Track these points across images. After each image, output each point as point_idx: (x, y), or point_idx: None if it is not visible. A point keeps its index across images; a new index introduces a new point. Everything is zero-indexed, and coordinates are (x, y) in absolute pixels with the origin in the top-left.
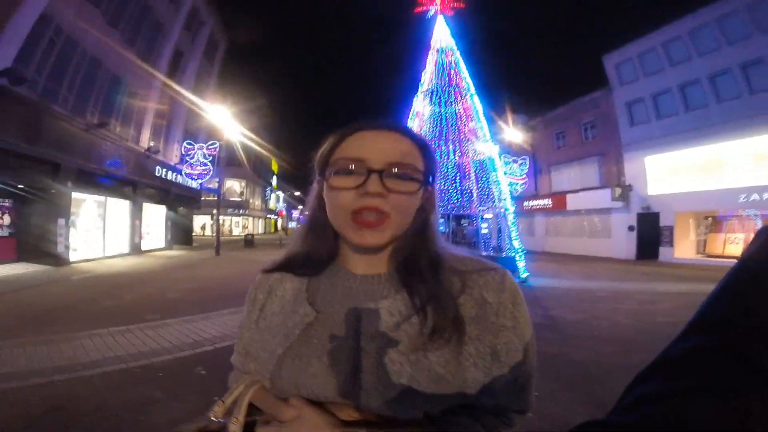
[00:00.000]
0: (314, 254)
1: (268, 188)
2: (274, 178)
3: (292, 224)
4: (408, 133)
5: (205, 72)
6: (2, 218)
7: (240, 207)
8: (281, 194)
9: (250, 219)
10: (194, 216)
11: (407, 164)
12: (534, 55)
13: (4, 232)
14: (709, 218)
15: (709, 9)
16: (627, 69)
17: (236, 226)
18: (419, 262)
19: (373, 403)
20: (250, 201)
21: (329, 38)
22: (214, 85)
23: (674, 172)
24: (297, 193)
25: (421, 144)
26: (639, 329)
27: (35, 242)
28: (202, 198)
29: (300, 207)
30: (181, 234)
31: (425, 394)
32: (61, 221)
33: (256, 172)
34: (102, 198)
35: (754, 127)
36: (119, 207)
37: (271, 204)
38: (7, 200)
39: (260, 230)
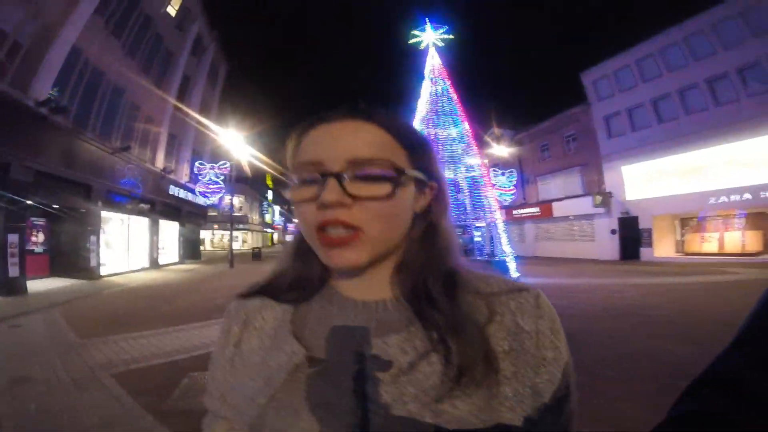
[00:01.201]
0: (303, 275)
1: (265, 203)
2: (270, 192)
3: (290, 238)
4: (374, 118)
5: (209, 94)
6: (37, 236)
7: (240, 222)
8: (277, 208)
9: (250, 233)
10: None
11: (373, 159)
12: (518, 75)
13: (39, 249)
14: (687, 220)
15: (676, 28)
16: (604, 85)
17: (235, 240)
18: (430, 283)
19: None
20: (249, 216)
21: (326, 62)
22: (217, 107)
23: (649, 179)
24: (294, 208)
25: (396, 130)
26: (604, 308)
27: (67, 258)
28: (208, 214)
29: (295, 221)
30: (190, 249)
31: None
32: (93, 238)
33: (253, 187)
34: (125, 216)
35: (721, 136)
36: (139, 224)
37: (267, 218)
38: (41, 219)
39: (259, 244)
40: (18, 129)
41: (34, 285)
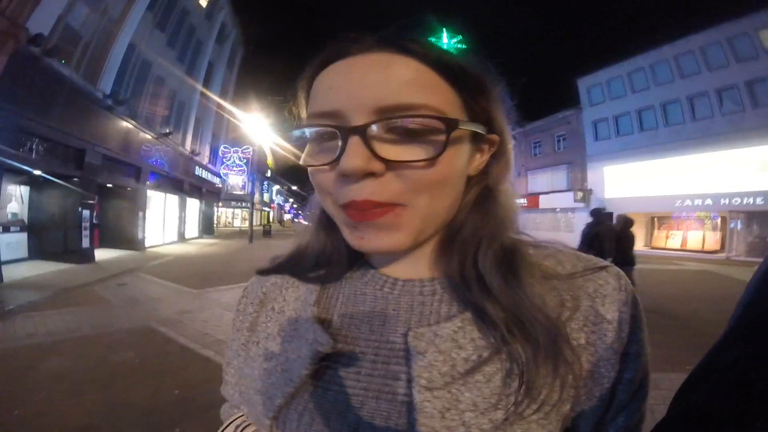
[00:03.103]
0: (329, 248)
1: (265, 182)
2: (269, 172)
3: (287, 217)
4: (412, 48)
5: (227, 79)
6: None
7: (243, 200)
8: (276, 188)
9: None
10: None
11: (413, 106)
12: (519, 75)
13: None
14: (656, 218)
15: (668, 47)
16: (596, 92)
17: (236, 218)
18: (480, 263)
19: None
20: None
21: None
22: (233, 90)
23: (626, 180)
24: (294, 188)
25: (443, 64)
26: None
27: (114, 231)
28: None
29: (291, 200)
30: (206, 225)
31: None
32: (141, 214)
33: (255, 167)
34: (162, 194)
35: (694, 147)
36: (171, 201)
37: (266, 197)
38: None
39: (258, 222)
40: (90, 118)
41: None
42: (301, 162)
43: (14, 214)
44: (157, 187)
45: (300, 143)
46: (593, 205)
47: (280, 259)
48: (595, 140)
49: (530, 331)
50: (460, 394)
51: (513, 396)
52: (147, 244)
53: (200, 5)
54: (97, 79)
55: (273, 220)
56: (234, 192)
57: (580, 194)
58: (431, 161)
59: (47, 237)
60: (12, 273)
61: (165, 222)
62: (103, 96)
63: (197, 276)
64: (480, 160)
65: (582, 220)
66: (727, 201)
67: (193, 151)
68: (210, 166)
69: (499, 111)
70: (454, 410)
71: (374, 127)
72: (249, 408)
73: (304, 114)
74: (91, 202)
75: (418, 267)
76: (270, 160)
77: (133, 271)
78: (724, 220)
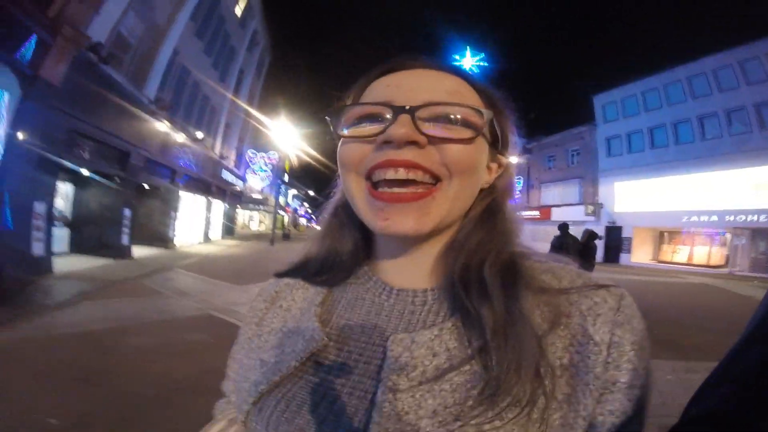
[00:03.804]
0: (333, 255)
1: (282, 186)
2: (285, 176)
3: (302, 221)
4: (459, 71)
5: (254, 85)
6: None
7: (261, 203)
8: (292, 192)
9: (267, 215)
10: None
11: (457, 102)
12: (536, 91)
13: None
14: (663, 233)
15: (681, 68)
16: (611, 109)
17: (252, 220)
18: (484, 271)
19: None
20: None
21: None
22: (259, 96)
23: (636, 195)
24: (311, 192)
25: (481, 88)
26: None
27: (147, 229)
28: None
29: (305, 204)
30: (227, 226)
31: None
32: (173, 213)
33: (272, 171)
34: (191, 195)
35: (702, 165)
36: (198, 202)
37: (281, 201)
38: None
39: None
40: (135, 122)
41: None
42: (344, 132)
43: (60, 211)
44: (187, 188)
45: (340, 123)
46: (603, 219)
47: (294, 264)
48: (608, 156)
49: (513, 338)
50: (423, 401)
51: (478, 402)
52: (177, 242)
53: (235, 13)
54: (143, 84)
55: (288, 223)
56: (253, 195)
57: (590, 208)
58: (467, 142)
59: (87, 232)
60: (59, 266)
61: (193, 222)
62: (148, 101)
63: (232, 273)
64: (491, 175)
65: None
66: (732, 218)
67: (221, 155)
68: (234, 169)
69: (511, 138)
70: (413, 415)
71: (422, 111)
72: (237, 395)
73: (341, 108)
74: (133, 201)
75: (416, 276)
76: (288, 164)
77: (170, 267)
78: (731, 236)
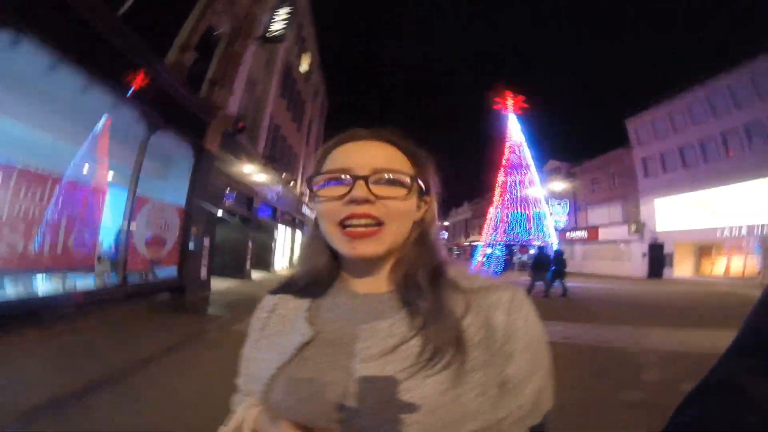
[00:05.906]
0: (316, 274)
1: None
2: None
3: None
4: (394, 142)
5: (319, 129)
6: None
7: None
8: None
9: None
10: None
11: (394, 169)
12: (576, 117)
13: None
14: (702, 247)
15: (699, 88)
16: (643, 132)
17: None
18: (418, 276)
19: None
20: None
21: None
22: (324, 138)
23: (675, 213)
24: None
25: (409, 152)
26: (614, 294)
27: (254, 257)
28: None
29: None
30: None
31: (420, 423)
32: (273, 244)
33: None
34: (283, 228)
35: (730, 181)
36: (283, 233)
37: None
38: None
39: None
40: (254, 173)
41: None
42: (317, 196)
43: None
44: (282, 222)
45: (314, 186)
46: (646, 237)
47: (284, 283)
48: (645, 176)
49: (440, 318)
50: (387, 364)
51: (422, 363)
52: (275, 267)
53: (300, 72)
54: (256, 143)
55: None
56: None
57: (633, 226)
58: (401, 198)
59: (218, 260)
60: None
61: (284, 250)
62: (261, 156)
63: None
64: (420, 211)
65: (637, 250)
66: (762, 230)
67: (301, 194)
68: (309, 204)
69: (432, 183)
70: (379, 375)
71: (372, 177)
72: (254, 384)
73: (318, 167)
74: (251, 235)
75: (376, 284)
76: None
77: None
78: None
